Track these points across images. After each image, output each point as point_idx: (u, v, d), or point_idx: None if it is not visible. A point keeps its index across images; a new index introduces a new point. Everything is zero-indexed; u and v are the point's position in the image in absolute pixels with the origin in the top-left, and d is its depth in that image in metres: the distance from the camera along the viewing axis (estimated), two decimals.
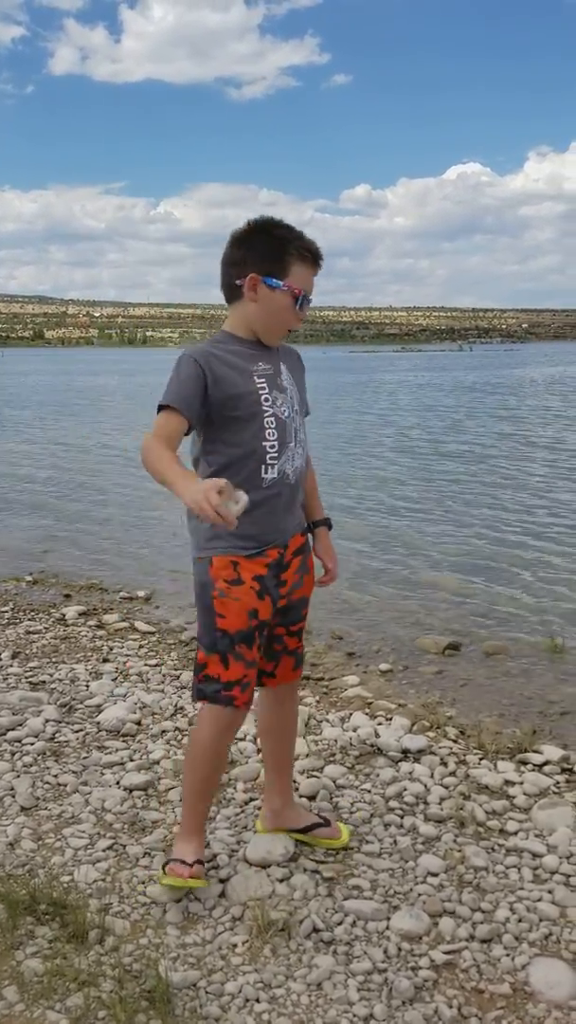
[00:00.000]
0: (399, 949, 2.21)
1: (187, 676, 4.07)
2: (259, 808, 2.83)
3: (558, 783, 3.15)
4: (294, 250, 2.29)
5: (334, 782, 3.06)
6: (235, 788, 3.02)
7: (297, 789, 2.97)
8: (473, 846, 2.68)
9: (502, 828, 2.82)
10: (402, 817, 2.85)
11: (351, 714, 3.67)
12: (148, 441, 2.13)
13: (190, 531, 2.39)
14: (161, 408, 2.18)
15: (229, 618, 2.30)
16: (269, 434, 2.29)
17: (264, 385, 2.31)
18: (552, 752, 3.38)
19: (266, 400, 2.30)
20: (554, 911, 2.38)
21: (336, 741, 3.37)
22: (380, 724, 3.57)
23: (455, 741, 3.48)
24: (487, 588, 6.07)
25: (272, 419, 2.30)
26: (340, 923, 2.29)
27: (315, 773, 3.11)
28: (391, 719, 3.64)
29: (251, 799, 2.94)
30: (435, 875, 2.53)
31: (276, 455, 2.31)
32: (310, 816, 2.71)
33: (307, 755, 3.24)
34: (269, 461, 2.30)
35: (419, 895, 2.43)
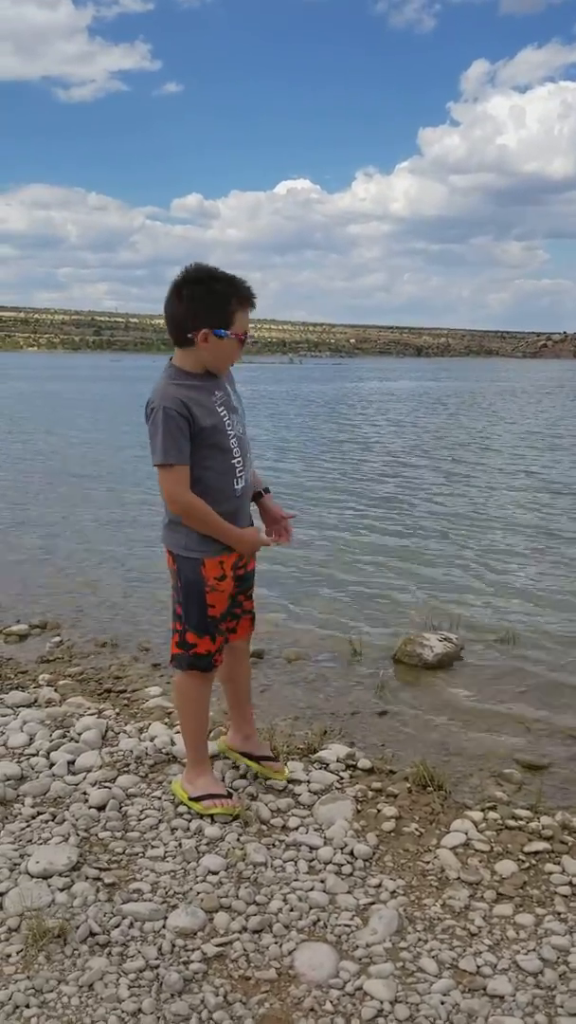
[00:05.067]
0: (173, 946, 2.32)
1: None
2: (47, 821, 2.89)
3: (342, 779, 3.36)
4: (235, 301, 2.67)
5: (125, 791, 3.13)
6: (23, 803, 3.04)
7: (87, 800, 3.04)
8: (255, 843, 2.83)
9: (284, 825, 2.99)
10: (189, 821, 2.96)
11: (149, 724, 3.75)
12: (187, 499, 2.66)
13: (170, 530, 2.82)
14: (167, 465, 2.62)
15: (217, 607, 2.87)
16: (235, 453, 2.77)
17: (224, 412, 2.74)
18: (340, 750, 3.59)
19: (228, 425, 2.74)
20: (324, 899, 2.57)
21: (132, 752, 3.44)
22: (178, 732, 3.67)
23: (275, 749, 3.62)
24: (292, 596, 6.29)
25: (235, 440, 2.77)
26: (117, 926, 2.38)
27: (107, 784, 3.17)
28: None
29: (38, 813, 2.98)
30: (215, 873, 2.66)
31: (242, 469, 2.81)
32: (267, 748, 3.34)
33: (100, 767, 3.30)
34: (238, 475, 2.80)
35: (198, 893, 2.55)
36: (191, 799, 3.01)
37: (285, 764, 3.40)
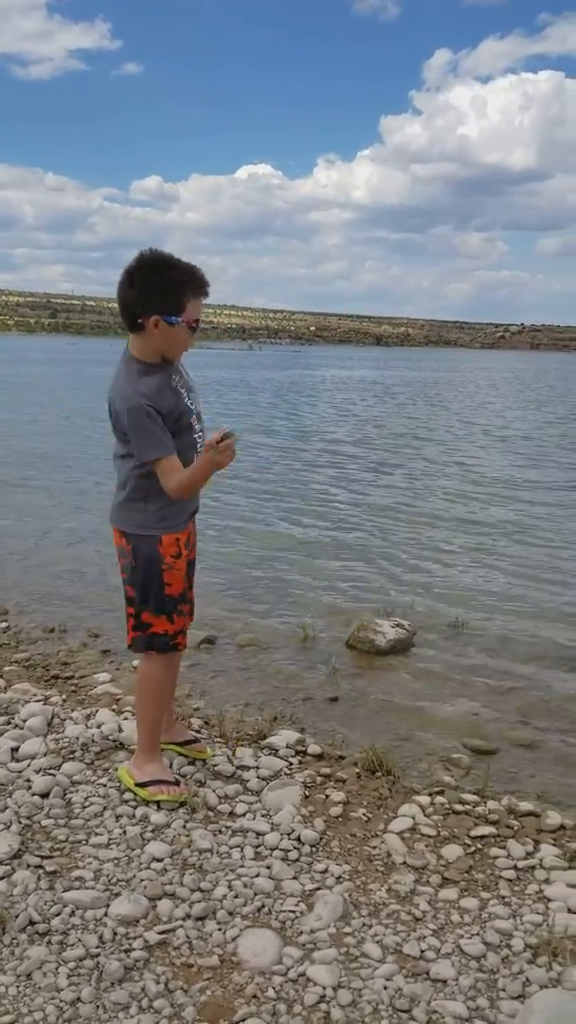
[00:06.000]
0: (115, 934, 2.28)
1: None
2: None
3: (291, 764, 3.35)
4: (188, 288, 2.65)
5: (70, 779, 3.08)
6: None
7: (30, 787, 2.98)
8: (201, 830, 2.81)
9: (232, 811, 2.97)
10: (135, 808, 2.92)
11: (97, 711, 3.70)
12: (182, 481, 2.65)
13: (127, 509, 2.80)
14: (157, 460, 2.65)
15: (174, 585, 2.86)
16: (196, 428, 2.82)
17: (184, 393, 2.77)
18: (289, 736, 3.58)
19: (190, 404, 2.79)
20: (269, 885, 2.55)
21: (78, 739, 3.39)
22: (126, 719, 3.63)
23: (198, 732, 3.60)
24: (243, 583, 6.27)
25: (195, 417, 2.82)
26: (58, 914, 2.34)
27: (51, 771, 3.12)
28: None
29: None
30: (160, 860, 2.63)
31: (201, 441, 2.81)
32: (189, 733, 3.34)
33: (44, 754, 3.24)
34: (199, 450, 2.78)
35: (141, 881, 2.52)
36: (137, 784, 2.97)
37: (233, 751, 3.38)
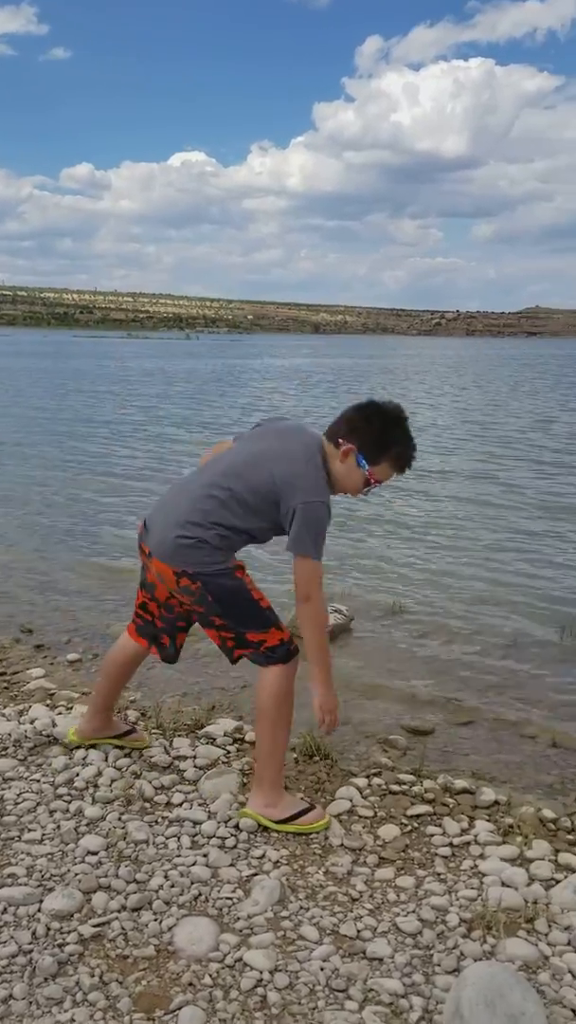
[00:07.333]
0: (48, 929, 2.25)
1: None
2: None
3: (228, 752, 3.34)
4: (395, 454, 2.70)
5: (2, 776, 3.03)
6: None
7: None
8: (137, 821, 2.78)
9: (168, 801, 2.95)
10: (69, 802, 2.89)
11: (30, 707, 3.65)
12: (321, 599, 2.70)
13: (195, 548, 2.63)
14: (316, 560, 2.63)
15: (263, 599, 2.74)
16: None
17: None
18: (227, 724, 3.57)
19: None
20: (206, 873, 2.54)
21: (10, 735, 3.34)
22: (60, 714, 3.58)
23: (135, 723, 3.57)
24: None
25: None
26: None
27: None
28: (71, 708, 3.66)
29: None
30: (95, 854, 2.60)
31: None
32: (125, 725, 3.30)
33: None
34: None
35: (76, 875, 2.49)
36: (279, 823, 2.78)
37: (170, 741, 3.36)
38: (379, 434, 2.69)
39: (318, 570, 2.67)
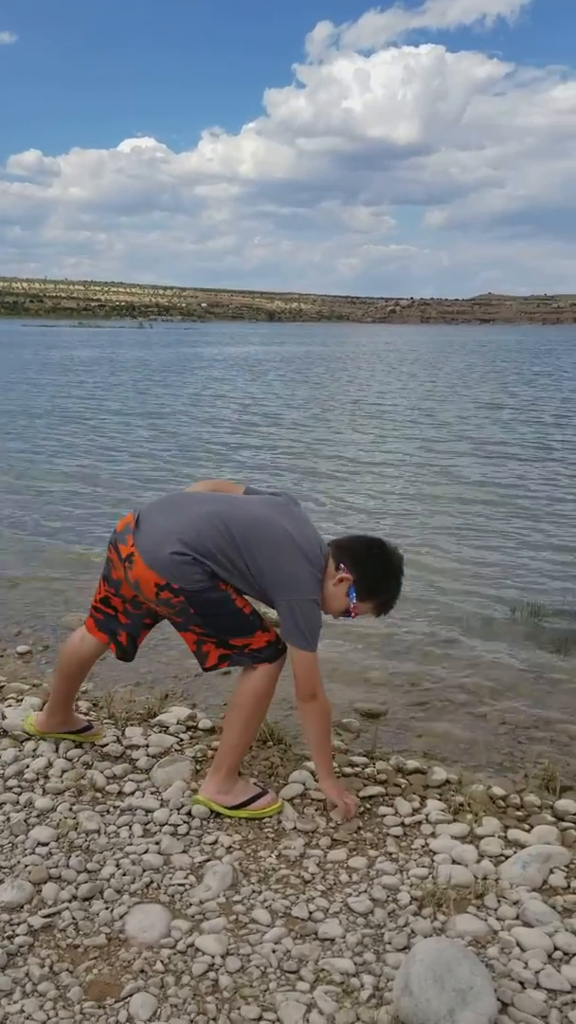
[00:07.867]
0: None
1: None
2: None
3: (181, 740, 3.33)
4: (382, 601, 2.82)
5: None
6: None
7: None
8: (88, 811, 2.76)
9: (120, 791, 2.93)
10: (19, 794, 2.86)
11: None
12: (322, 689, 2.77)
13: (189, 564, 2.61)
14: (313, 652, 2.69)
15: (247, 606, 2.77)
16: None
17: None
18: (180, 712, 3.55)
19: None
20: (158, 860, 2.54)
21: None
22: (9, 706, 3.54)
23: (86, 714, 3.54)
24: None
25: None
26: None
27: None
28: (21, 700, 3.62)
29: None
30: (45, 844, 2.58)
31: None
32: (83, 720, 3.27)
33: None
34: None
35: (25, 866, 2.46)
36: (232, 808, 2.81)
37: (122, 730, 3.34)
38: (378, 580, 2.79)
39: (316, 662, 2.73)
